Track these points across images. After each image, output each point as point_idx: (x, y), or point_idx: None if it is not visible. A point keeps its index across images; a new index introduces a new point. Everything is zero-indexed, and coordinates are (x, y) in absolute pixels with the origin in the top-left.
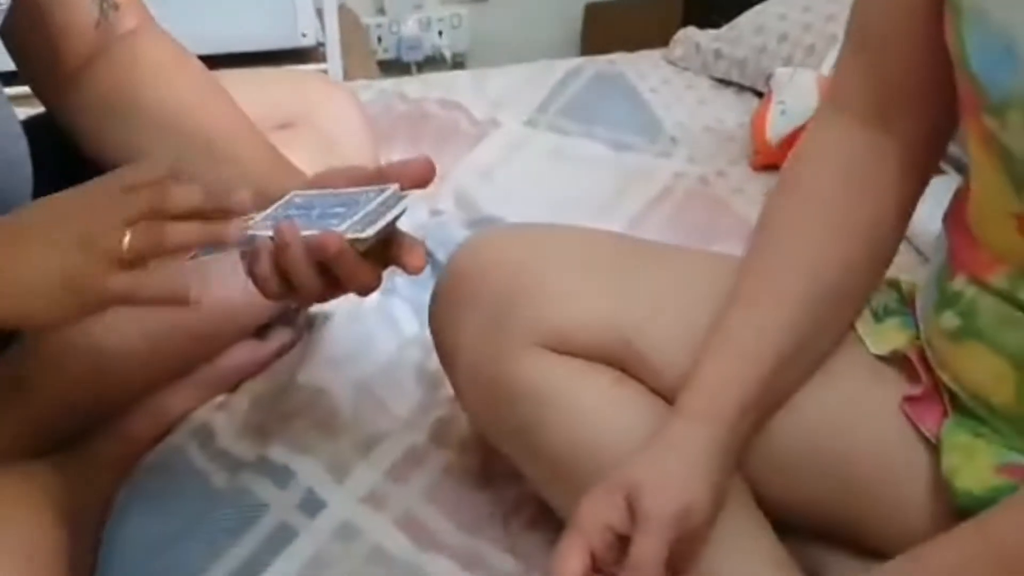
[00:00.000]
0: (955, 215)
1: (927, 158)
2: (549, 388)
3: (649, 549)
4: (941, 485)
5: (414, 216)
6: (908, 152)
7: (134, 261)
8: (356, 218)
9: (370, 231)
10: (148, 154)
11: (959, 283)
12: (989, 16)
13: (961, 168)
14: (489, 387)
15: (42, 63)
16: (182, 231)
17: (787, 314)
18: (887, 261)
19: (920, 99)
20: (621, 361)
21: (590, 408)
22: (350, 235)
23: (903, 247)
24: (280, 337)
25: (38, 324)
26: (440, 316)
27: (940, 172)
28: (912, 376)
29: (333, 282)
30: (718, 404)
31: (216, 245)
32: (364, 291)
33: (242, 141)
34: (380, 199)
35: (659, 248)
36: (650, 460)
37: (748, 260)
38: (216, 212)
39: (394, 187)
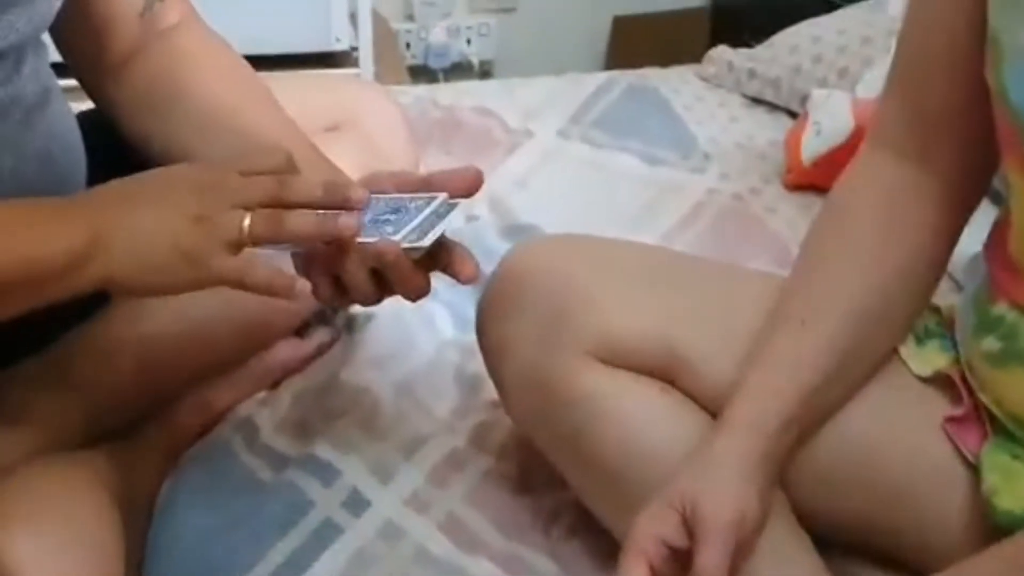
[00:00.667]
0: (995, 245)
1: (968, 193)
2: (599, 396)
3: (713, 558)
4: (980, 504)
5: (448, 221)
6: (949, 187)
7: (250, 244)
8: (411, 227)
9: (426, 240)
10: (192, 149)
11: (1000, 308)
12: None
13: (997, 199)
14: (540, 394)
15: (87, 56)
16: (302, 221)
17: (828, 336)
18: (929, 290)
19: (960, 135)
20: (667, 371)
21: (639, 417)
22: (406, 244)
23: None
24: (320, 336)
25: (147, 287)
26: (489, 322)
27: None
28: (954, 397)
29: (384, 287)
30: (763, 417)
31: (332, 239)
32: (415, 297)
33: (285, 140)
34: (432, 208)
35: (702, 262)
36: (701, 471)
37: (792, 282)
38: (332, 207)
39: (443, 196)
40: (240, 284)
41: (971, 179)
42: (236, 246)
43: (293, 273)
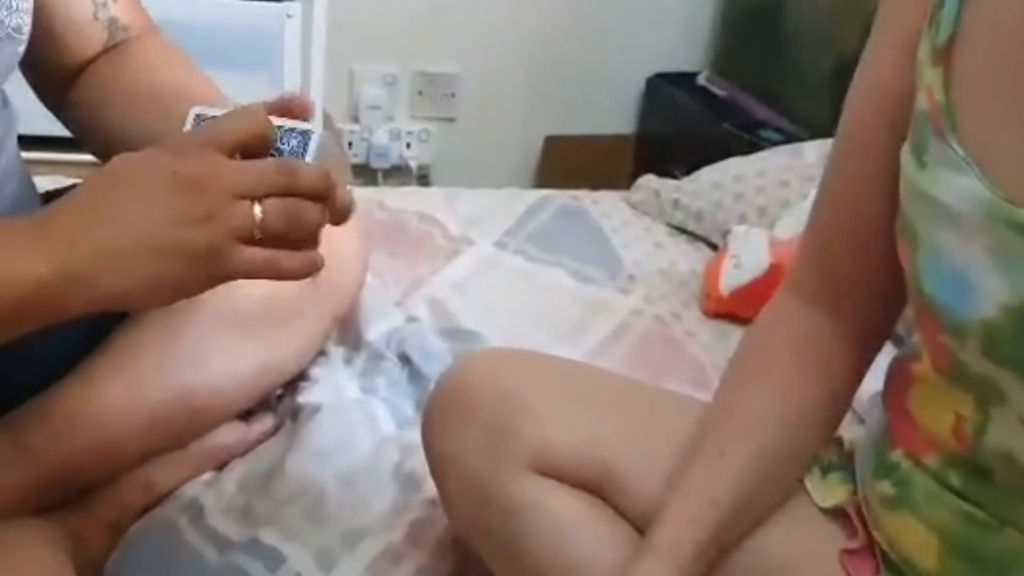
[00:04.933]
0: (895, 395)
1: (873, 338)
2: (536, 508)
3: None
4: None
5: (390, 320)
6: (856, 334)
7: (265, 238)
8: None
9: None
10: (145, 132)
11: (896, 456)
12: (945, 250)
13: (898, 341)
14: (482, 503)
15: (48, 63)
16: (318, 213)
17: (741, 468)
18: (834, 426)
19: (867, 295)
20: (600, 486)
21: (571, 530)
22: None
23: None
24: (264, 422)
25: (159, 298)
26: (435, 431)
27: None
28: (851, 530)
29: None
30: (681, 544)
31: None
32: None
33: None
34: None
35: (634, 384)
36: None
37: (711, 413)
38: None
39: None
40: (263, 275)
41: (877, 327)
42: (248, 239)
43: (314, 253)
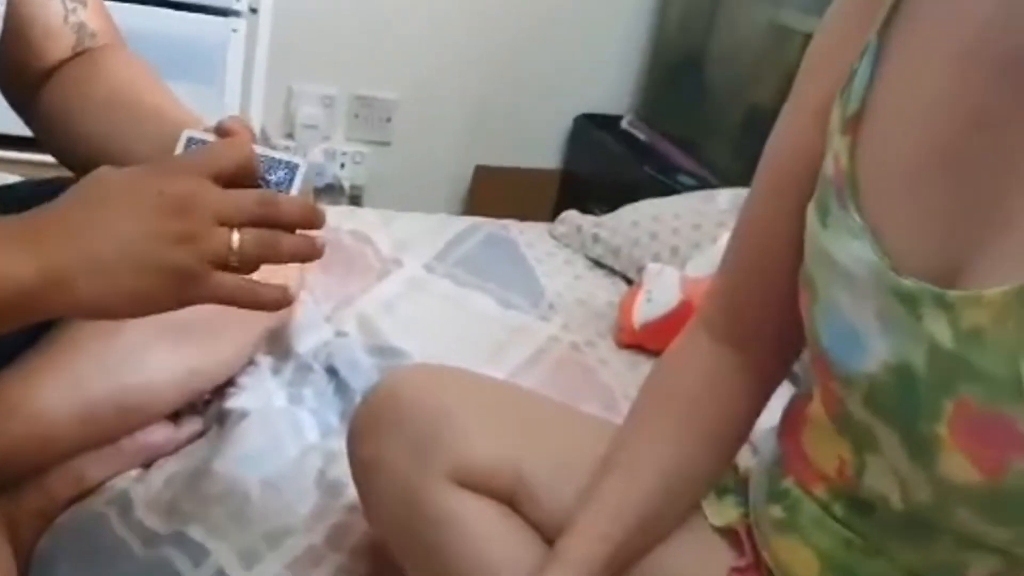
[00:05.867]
0: (790, 429)
1: (774, 375)
2: (453, 516)
3: None
4: None
5: (320, 334)
6: (758, 370)
7: (240, 265)
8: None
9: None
10: (130, 145)
11: (788, 483)
12: (840, 306)
13: (794, 380)
14: (405, 508)
15: (16, 66)
16: (294, 247)
17: (646, 490)
18: (732, 454)
19: (771, 337)
20: (513, 496)
21: (483, 537)
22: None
23: None
24: (192, 424)
25: (129, 311)
26: (363, 436)
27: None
28: (740, 549)
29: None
30: (589, 557)
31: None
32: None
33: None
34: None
35: (551, 403)
36: None
37: (621, 435)
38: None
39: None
40: (234, 302)
41: (777, 365)
42: (223, 264)
43: (286, 284)
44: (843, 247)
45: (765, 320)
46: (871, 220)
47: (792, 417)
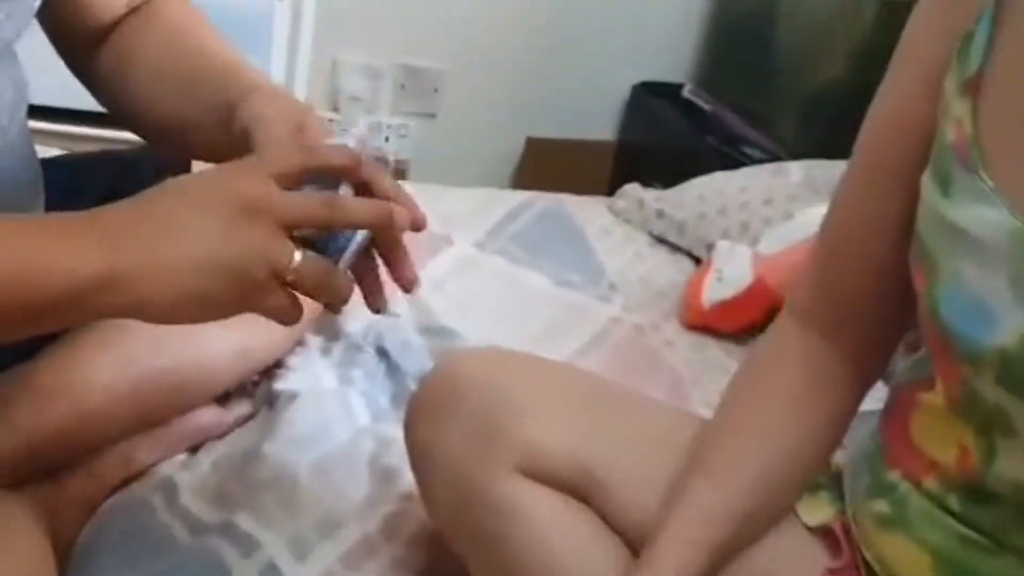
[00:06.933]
0: (895, 418)
1: (872, 368)
2: (519, 507)
3: None
4: None
5: (369, 314)
6: (856, 362)
7: (291, 284)
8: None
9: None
10: (188, 108)
11: (894, 476)
12: (964, 279)
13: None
14: (463, 496)
15: (75, 28)
16: (345, 286)
17: (741, 494)
18: (829, 453)
19: (872, 324)
20: (584, 491)
21: (553, 532)
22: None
23: None
24: (241, 407)
25: (183, 318)
26: (420, 422)
27: None
28: (836, 549)
29: None
30: (684, 561)
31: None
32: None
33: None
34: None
35: (622, 390)
36: None
37: (711, 432)
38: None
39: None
40: (290, 321)
41: (878, 356)
42: (279, 277)
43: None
44: (971, 214)
45: (865, 307)
46: (1002, 183)
47: (897, 406)
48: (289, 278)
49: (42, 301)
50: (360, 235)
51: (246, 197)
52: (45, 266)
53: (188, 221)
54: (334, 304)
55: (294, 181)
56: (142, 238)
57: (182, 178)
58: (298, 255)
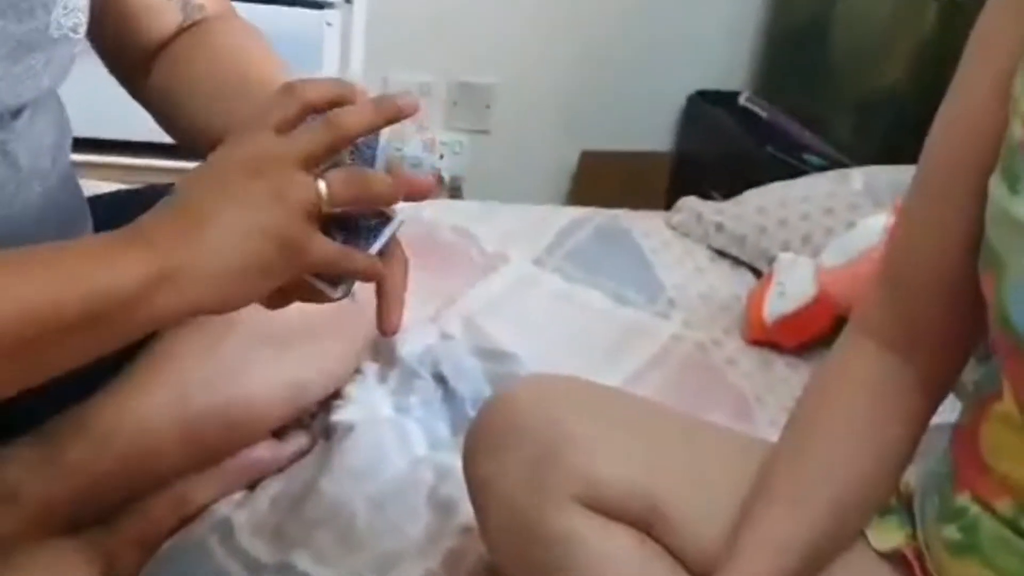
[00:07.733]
0: (965, 436)
1: (943, 384)
2: (579, 540)
3: None
4: None
5: (424, 337)
6: (927, 379)
7: (334, 208)
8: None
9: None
10: (223, 115)
11: (964, 500)
12: None
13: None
14: (522, 531)
15: (125, 45)
16: (383, 186)
17: (812, 521)
18: (902, 472)
19: (944, 338)
20: (646, 523)
21: (617, 565)
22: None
23: None
24: (298, 440)
25: (237, 299)
26: (477, 455)
27: None
28: (908, 574)
29: None
30: None
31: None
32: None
33: None
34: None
35: (682, 418)
36: None
37: (779, 459)
38: (386, 123)
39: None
40: (340, 270)
41: (947, 372)
42: (317, 214)
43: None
44: None
45: (937, 319)
46: None
47: (967, 426)
48: (327, 207)
49: (101, 317)
50: (394, 223)
51: (253, 156)
52: (97, 282)
53: (213, 205)
54: (385, 321)
55: (291, 124)
56: (178, 234)
57: (192, 172)
58: (322, 184)
